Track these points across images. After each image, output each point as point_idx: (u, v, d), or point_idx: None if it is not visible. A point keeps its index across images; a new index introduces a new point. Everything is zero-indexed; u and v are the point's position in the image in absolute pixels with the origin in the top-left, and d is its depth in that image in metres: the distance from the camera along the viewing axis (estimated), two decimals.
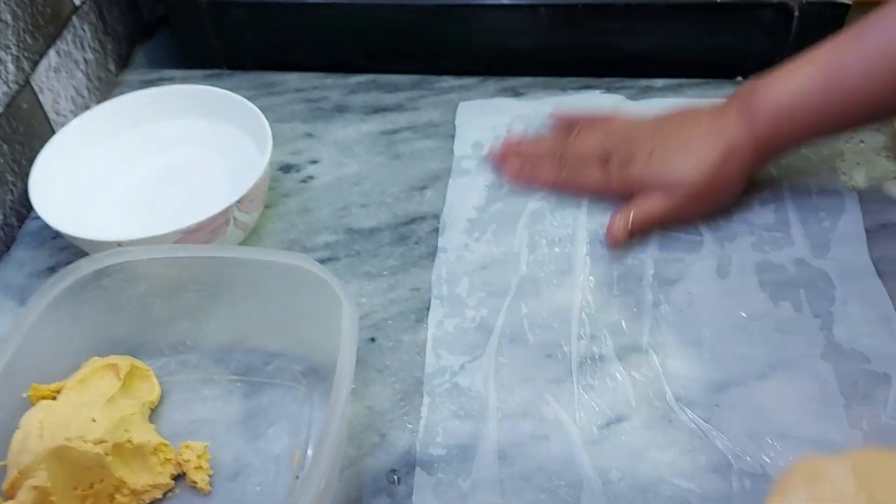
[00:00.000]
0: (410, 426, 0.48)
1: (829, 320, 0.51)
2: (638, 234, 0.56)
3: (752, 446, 0.45)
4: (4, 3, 0.60)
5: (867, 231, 0.56)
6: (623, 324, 0.52)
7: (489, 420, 0.48)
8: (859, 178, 0.60)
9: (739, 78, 0.69)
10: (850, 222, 0.56)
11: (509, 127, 0.66)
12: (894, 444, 0.45)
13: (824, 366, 0.48)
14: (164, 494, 0.45)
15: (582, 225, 0.58)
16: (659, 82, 0.69)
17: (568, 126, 0.63)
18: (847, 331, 0.50)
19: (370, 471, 0.46)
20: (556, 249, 0.57)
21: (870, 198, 0.58)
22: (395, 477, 0.46)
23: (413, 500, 0.45)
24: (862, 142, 0.62)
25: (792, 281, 0.53)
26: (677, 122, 0.57)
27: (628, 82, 0.69)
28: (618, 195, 0.58)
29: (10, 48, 0.61)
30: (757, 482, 0.44)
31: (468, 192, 0.62)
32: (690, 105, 0.58)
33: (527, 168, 0.61)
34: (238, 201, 0.53)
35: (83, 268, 0.46)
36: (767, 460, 0.45)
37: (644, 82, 0.69)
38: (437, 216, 0.60)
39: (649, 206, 0.56)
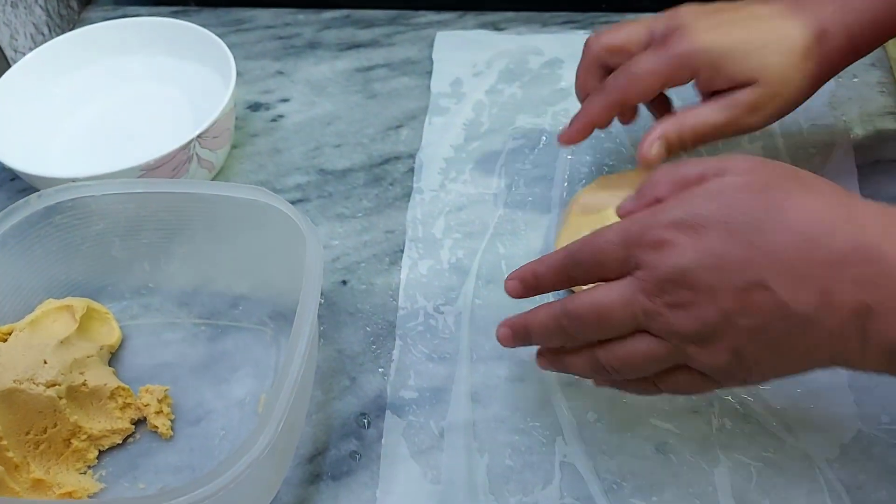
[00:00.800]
0: (382, 370, 0.47)
1: None
2: (681, 150, 0.46)
3: None
4: None
5: (858, 168, 0.53)
6: None
7: (462, 363, 0.46)
8: (852, 114, 0.57)
9: None
10: (841, 159, 0.54)
11: (489, 62, 0.63)
12: (880, 383, 0.43)
13: None
14: (125, 440, 0.44)
15: (561, 164, 0.56)
16: (645, 16, 0.66)
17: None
18: None
19: (339, 415, 0.45)
20: (536, 189, 0.55)
21: (862, 134, 0.56)
22: (365, 420, 0.45)
23: (383, 442, 0.43)
24: (855, 77, 0.60)
25: None
26: (746, 3, 0.45)
27: (613, 17, 0.66)
28: (683, 82, 0.45)
29: None
30: (738, 422, 0.42)
31: (445, 130, 0.59)
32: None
33: (578, 118, 0.48)
34: (199, 136, 0.51)
35: (32, 204, 0.44)
36: (749, 399, 0.43)
37: (630, 17, 0.66)
38: (412, 156, 0.58)
39: (699, 119, 0.45)
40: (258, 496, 0.38)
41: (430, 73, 0.64)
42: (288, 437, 0.38)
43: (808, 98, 0.45)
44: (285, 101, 0.63)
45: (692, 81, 0.45)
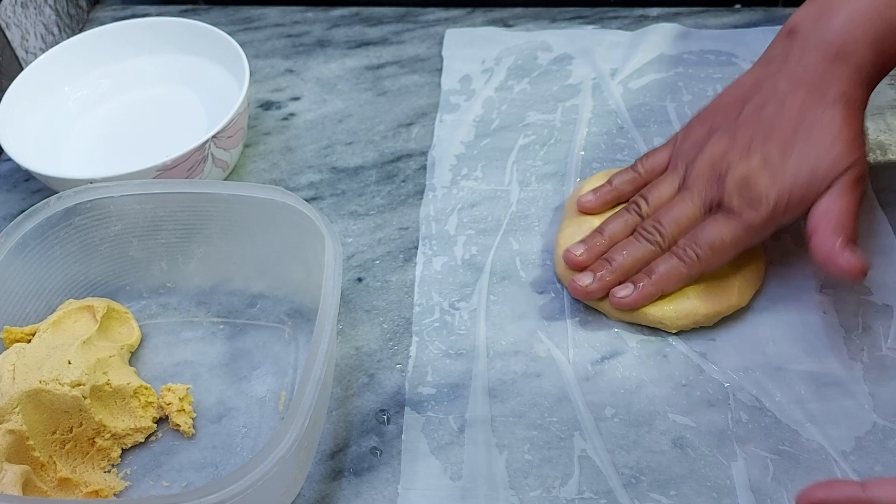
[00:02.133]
0: (399, 366, 0.47)
1: None
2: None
3: (748, 380, 0.44)
4: None
5: (870, 161, 0.54)
6: None
7: (479, 358, 0.47)
8: None
9: (738, 6, 0.66)
10: None
11: (498, 59, 0.64)
12: (895, 375, 0.44)
13: (824, 298, 0.47)
14: (147, 438, 0.44)
15: (573, 160, 0.56)
16: (654, 11, 0.66)
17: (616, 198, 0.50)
18: None
19: (359, 411, 0.45)
20: (547, 185, 0.55)
21: (873, 126, 0.56)
22: (385, 417, 0.45)
23: (403, 438, 0.44)
24: None
25: None
26: (754, 115, 0.45)
27: (622, 11, 0.67)
28: (763, 235, 0.45)
29: None
30: (754, 416, 0.43)
31: (456, 128, 0.60)
32: (734, 87, 0.48)
33: (647, 287, 0.45)
34: (214, 136, 0.51)
35: (52, 206, 0.44)
36: (765, 393, 0.44)
37: (638, 11, 0.66)
38: (424, 153, 0.58)
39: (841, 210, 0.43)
40: (284, 493, 0.39)
41: (439, 70, 0.64)
42: (311, 434, 0.38)
43: None
44: (296, 99, 0.63)
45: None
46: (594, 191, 0.51)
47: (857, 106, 0.44)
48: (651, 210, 0.48)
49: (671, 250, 0.46)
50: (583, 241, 0.48)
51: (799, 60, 0.44)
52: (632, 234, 0.48)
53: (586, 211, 0.51)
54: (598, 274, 0.46)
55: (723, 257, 0.45)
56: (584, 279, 0.46)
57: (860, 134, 0.44)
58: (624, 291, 0.45)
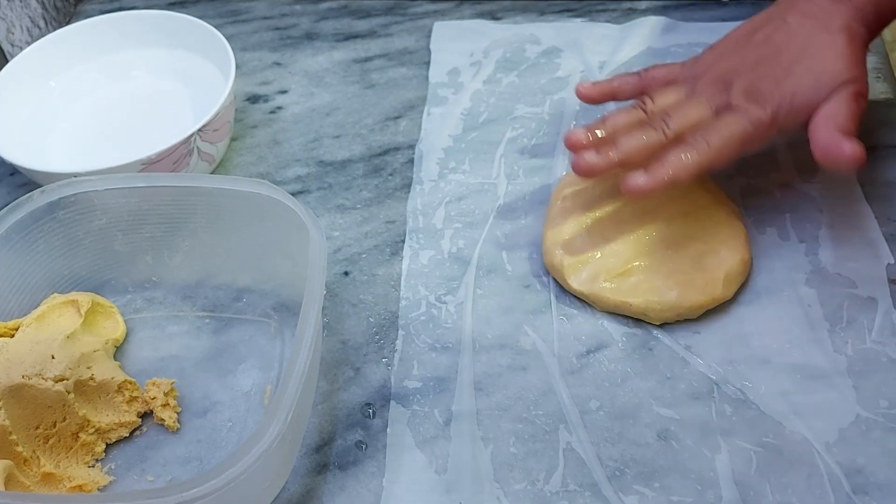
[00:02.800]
0: (385, 360, 0.47)
1: (814, 245, 0.49)
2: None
3: (733, 373, 0.44)
4: None
5: None
6: None
7: (465, 352, 0.47)
8: None
9: (726, 0, 0.66)
10: None
11: (486, 52, 0.63)
12: (879, 368, 0.44)
13: (809, 291, 0.47)
14: (132, 433, 0.44)
15: (560, 153, 0.56)
16: (642, 4, 0.66)
17: (610, 93, 0.52)
18: (833, 255, 0.49)
19: (344, 405, 0.45)
20: (535, 178, 0.55)
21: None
22: (370, 410, 0.45)
23: (388, 432, 0.44)
24: None
25: (778, 206, 0.52)
26: (763, 41, 0.47)
27: (610, 5, 0.66)
28: (768, 135, 0.46)
29: None
30: (738, 408, 0.43)
31: (444, 121, 0.59)
32: (745, 24, 0.50)
33: (657, 173, 0.44)
34: (200, 129, 0.51)
35: (35, 200, 0.44)
36: (749, 385, 0.44)
37: (627, 4, 0.66)
38: (412, 146, 0.58)
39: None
40: (268, 486, 0.39)
41: (427, 63, 0.64)
42: (296, 427, 0.38)
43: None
44: (283, 92, 0.63)
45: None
46: (594, 83, 0.52)
47: (860, 38, 0.47)
48: (657, 109, 0.48)
49: (680, 142, 0.45)
50: (586, 126, 0.48)
51: (807, 2, 0.48)
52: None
53: (583, 96, 0.52)
54: (603, 152, 0.46)
55: (732, 150, 0.45)
56: (589, 155, 0.46)
57: (862, 59, 0.46)
58: (638, 177, 0.44)
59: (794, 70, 0.45)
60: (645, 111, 0.48)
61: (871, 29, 0.48)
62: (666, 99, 0.48)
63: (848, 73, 0.45)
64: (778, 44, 0.47)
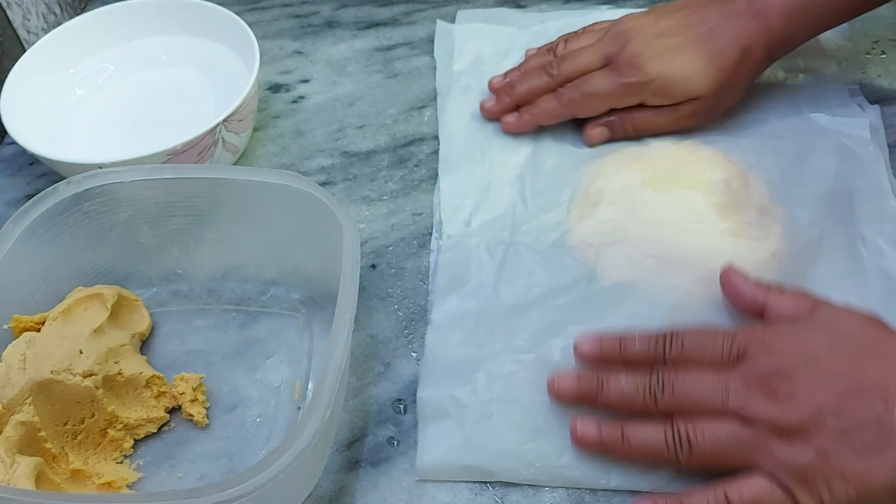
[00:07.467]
0: (415, 354, 0.46)
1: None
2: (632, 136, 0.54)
3: None
4: None
5: (889, 147, 0.53)
6: None
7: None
8: (881, 90, 0.56)
9: None
10: (873, 136, 0.53)
11: (510, 41, 0.62)
12: None
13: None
14: (160, 428, 0.43)
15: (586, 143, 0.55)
16: None
17: (548, 49, 0.57)
18: (870, 249, 0.48)
19: (375, 401, 0.45)
20: (562, 167, 0.54)
21: (891, 111, 0.55)
22: (401, 406, 0.44)
23: (419, 428, 0.43)
24: (884, 53, 0.59)
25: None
26: (683, 18, 0.51)
27: None
28: (630, 105, 0.53)
29: None
30: None
31: (469, 109, 0.58)
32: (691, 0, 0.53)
33: (525, 113, 0.54)
34: (225, 120, 0.50)
35: (61, 192, 0.43)
36: None
37: None
38: (436, 137, 0.57)
39: (647, 122, 0.53)
40: (302, 485, 0.38)
41: (450, 52, 0.62)
42: (330, 425, 0.37)
43: (737, 100, 0.53)
44: (305, 81, 0.62)
45: None
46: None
47: (751, 62, 0.51)
48: (563, 53, 0.55)
49: (556, 90, 0.53)
50: (505, 73, 0.57)
51: (731, 3, 0.51)
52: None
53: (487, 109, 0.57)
54: (501, 98, 0.55)
55: (593, 105, 0.53)
56: (489, 101, 0.56)
57: (727, 80, 0.50)
58: (509, 118, 0.55)
59: (679, 56, 0.50)
60: (555, 54, 0.55)
61: (772, 52, 0.51)
62: (576, 44, 0.55)
63: (700, 91, 0.50)
64: (687, 19, 0.51)
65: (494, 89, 0.57)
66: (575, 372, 0.41)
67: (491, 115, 0.56)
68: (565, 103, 0.53)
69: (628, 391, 0.39)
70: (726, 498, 0.36)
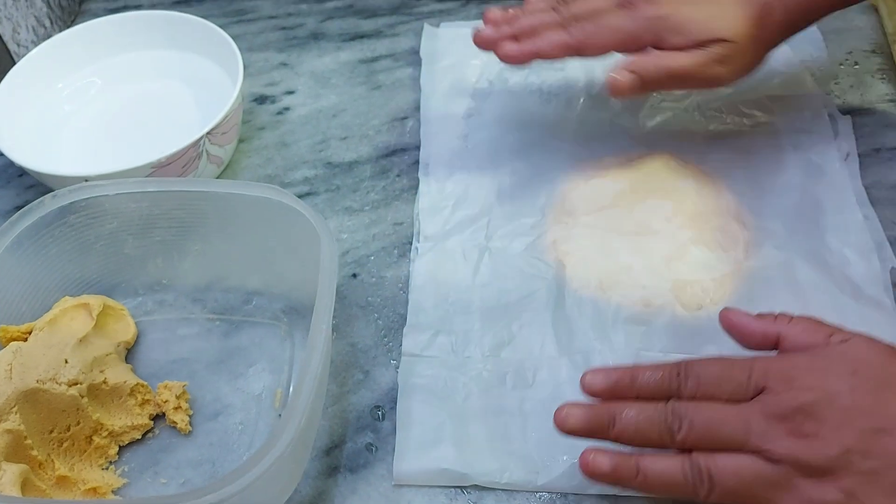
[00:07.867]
0: (394, 362, 0.47)
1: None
2: (651, 89, 0.49)
3: None
4: None
5: (860, 156, 0.54)
6: None
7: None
8: (853, 101, 0.58)
9: None
10: (843, 147, 0.54)
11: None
12: None
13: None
14: (144, 435, 0.45)
15: (565, 154, 0.56)
16: None
17: None
18: (835, 259, 0.49)
19: (354, 408, 0.46)
20: (542, 178, 0.55)
21: (863, 121, 0.56)
22: (380, 413, 0.45)
23: (397, 435, 0.44)
24: (857, 64, 0.60)
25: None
26: None
27: None
28: (645, 44, 0.48)
29: None
30: None
31: (450, 121, 0.59)
32: None
33: (527, 43, 0.49)
34: (209, 132, 0.51)
35: (47, 204, 0.44)
36: None
37: None
38: (418, 147, 0.58)
39: (673, 61, 0.47)
40: (280, 490, 0.39)
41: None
42: (308, 431, 0.39)
43: (759, 65, 0.49)
44: (290, 93, 0.63)
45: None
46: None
47: (772, 19, 0.47)
48: None
49: (566, 27, 0.48)
50: (505, 7, 0.51)
51: None
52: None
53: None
54: (500, 27, 0.50)
55: (603, 36, 0.48)
56: (486, 30, 0.50)
57: (752, 32, 0.47)
58: (509, 46, 0.49)
59: (692, 5, 0.47)
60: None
61: (791, 17, 0.48)
62: None
63: (726, 33, 0.46)
64: None
65: (493, 20, 0.51)
66: (583, 403, 0.39)
67: (485, 44, 0.50)
68: (574, 34, 0.48)
69: (643, 425, 0.37)
70: None
